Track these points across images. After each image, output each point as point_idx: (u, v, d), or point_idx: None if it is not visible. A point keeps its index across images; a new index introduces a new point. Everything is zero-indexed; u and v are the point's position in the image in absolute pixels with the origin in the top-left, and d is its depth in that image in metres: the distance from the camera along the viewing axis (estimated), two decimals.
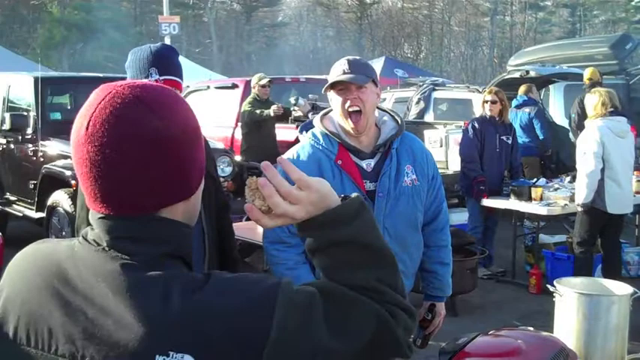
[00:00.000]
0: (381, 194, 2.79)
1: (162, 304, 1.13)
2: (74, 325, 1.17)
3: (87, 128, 1.19)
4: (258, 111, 8.71)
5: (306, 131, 2.96)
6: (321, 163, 2.79)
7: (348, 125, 2.78)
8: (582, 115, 7.76)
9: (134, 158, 1.18)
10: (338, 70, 2.77)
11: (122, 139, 1.18)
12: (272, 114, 8.60)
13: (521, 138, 9.46)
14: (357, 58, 2.89)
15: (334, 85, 2.78)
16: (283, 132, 9.04)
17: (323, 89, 2.87)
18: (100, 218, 1.23)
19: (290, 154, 2.88)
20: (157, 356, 1.11)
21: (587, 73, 9.73)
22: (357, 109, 2.74)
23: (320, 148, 2.83)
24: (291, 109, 9.06)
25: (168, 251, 1.21)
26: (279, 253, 2.77)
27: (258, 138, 8.79)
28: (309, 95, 9.67)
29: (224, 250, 2.95)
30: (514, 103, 9.79)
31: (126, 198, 1.20)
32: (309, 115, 8.40)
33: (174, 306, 1.13)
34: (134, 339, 1.12)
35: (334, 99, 2.80)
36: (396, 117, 2.94)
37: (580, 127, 8.68)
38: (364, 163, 2.83)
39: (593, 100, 6.26)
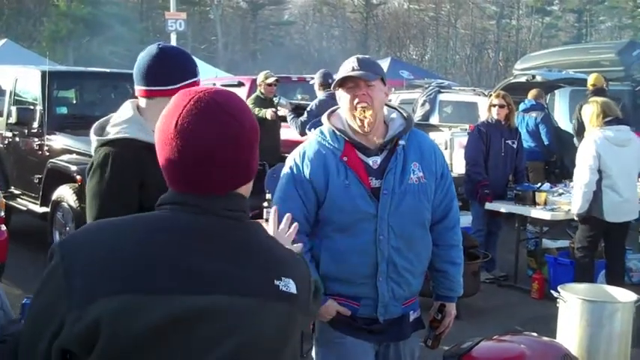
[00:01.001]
0: (386, 191, 2.78)
1: (267, 246, 1.56)
2: (203, 271, 1.42)
3: (175, 126, 1.47)
4: (256, 110, 8.65)
5: (314, 128, 2.99)
6: (327, 160, 2.81)
7: (356, 123, 2.79)
8: (582, 122, 7.76)
9: (218, 150, 1.47)
10: (347, 68, 2.79)
11: (207, 135, 1.46)
12: (268, 117, 8.52)
13: (527, 142, 9.45)
14: (367, 56, 2.91)
15: (343, 83, 2.80)
16: (290, 132, 8.99)
17: (332, 86, 2.89)
18: (193, 196, 1.49)
19: (297, 151, 2.91)
20: (275, 280, 1.48)
21: (590, 79, 9.66)
22: (365, 105, 2.75)
23: (326, 144, 2.84)
24: (277, 108, 8.93)
25: (247, 214, 1.57)
26: None
27: (261, 136, 8.73)
28: (298, 96, 9.60)
29: None
30: (522, 107, 9.79)
31: (212, 181, 1.49)
32: (288, 115, 8.33)
33: (272, 249, 1.57)
34: (259, 272, 1.48)
35: (342, 96, 2.82)
36: (404, 114, 2.94)
37: (579, 133, 8.67)
38: (370, 160, 2.83)
39: (589, 111, 6.23)
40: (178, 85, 2.49)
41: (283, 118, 8.83)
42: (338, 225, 2.81)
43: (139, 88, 2.54)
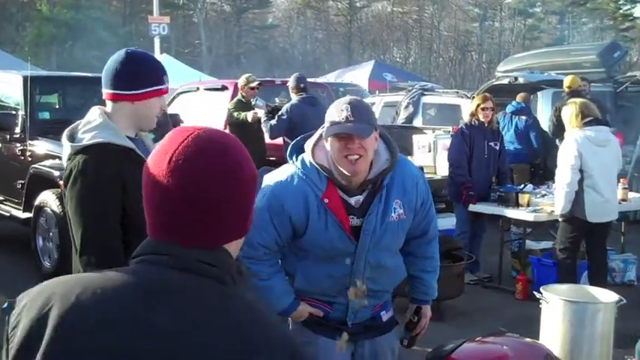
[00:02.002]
0: (367, 231, 2.77)
1: (243, 318, 1.26)
2: (164, 336, 1.20)
3: (169, 163, 1.28)
4: (236, 113, 8.62)
5: (296, 156, 2.85)
6: (308, 199, 2.73)
7: (346, 171, 2.69)
8: (557, 124, 7.73)
9: (213, 194, 1.28)
10: (339, 116, 2.65)
11: (205, 176, 1.28)
12: (249, 119, 8.50)
13: (513, 144, 9.51)
14: (358, 100, 2.80)
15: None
16: None
17: (324, 136, 2.71)
18: (176, 246, 1.29)
19: (277, 179, 2.81)
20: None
21: (566, 82, 9.59)
22: (357, 157, 2.66)
23: (308, 182, 2.75)
24: (255, 109, 8.85)
25: (232, 276, 1.32)
26: (252, 265, 2.77)
27: (244, 140, 8.64)
28: (276, 99, 9.56)
29: None
30: (509, 108, 9.84)
31: (203, 229, 1.30)
32: (262, 117, 8.29)
33: (250, 322, 1.26)
34: (223, 347, 1.20)
35: (332, 143, 2.69)
36: (390, 146, 2.82)
37: (556, 135, 8.72)
38: (352, 200, 2.78)
39: (568, 112, 6.26)
40: (143, 91, 2.50)
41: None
42: (317, 256, 2.83)
43: (105, 92, 2.55)
